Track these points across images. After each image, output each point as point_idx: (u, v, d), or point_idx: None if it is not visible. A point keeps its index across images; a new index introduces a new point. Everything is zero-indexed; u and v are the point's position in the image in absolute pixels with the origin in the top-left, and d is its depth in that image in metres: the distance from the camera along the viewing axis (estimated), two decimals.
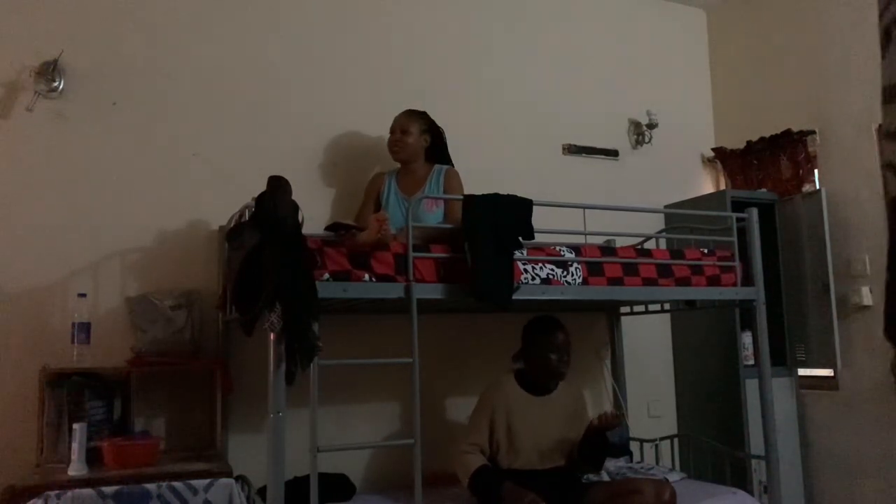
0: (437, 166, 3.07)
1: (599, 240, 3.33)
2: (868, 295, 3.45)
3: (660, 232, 3.62)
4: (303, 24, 3.30)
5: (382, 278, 2.33)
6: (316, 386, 2.18)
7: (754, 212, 3.09)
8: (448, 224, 2.75)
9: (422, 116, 3.08)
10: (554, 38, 3.88)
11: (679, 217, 3.67)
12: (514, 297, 2.46)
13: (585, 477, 2.94)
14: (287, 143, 3.17)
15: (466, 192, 2.68)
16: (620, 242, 3.29)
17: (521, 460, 2.72)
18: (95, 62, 2.90)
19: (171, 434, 2.79)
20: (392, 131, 3.07)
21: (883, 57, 0.84)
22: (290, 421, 2.15)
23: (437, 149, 3.12)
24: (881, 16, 0.84)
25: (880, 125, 3.74)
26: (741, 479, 3.25)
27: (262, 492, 2.39)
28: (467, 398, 3.23)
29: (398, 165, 3.12)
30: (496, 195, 2.53)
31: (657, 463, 3.52)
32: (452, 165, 3.13)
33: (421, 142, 3.06)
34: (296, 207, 2.23)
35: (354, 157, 3.29)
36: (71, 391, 2.53)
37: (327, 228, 2.43)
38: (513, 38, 3.78)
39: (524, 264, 2.57)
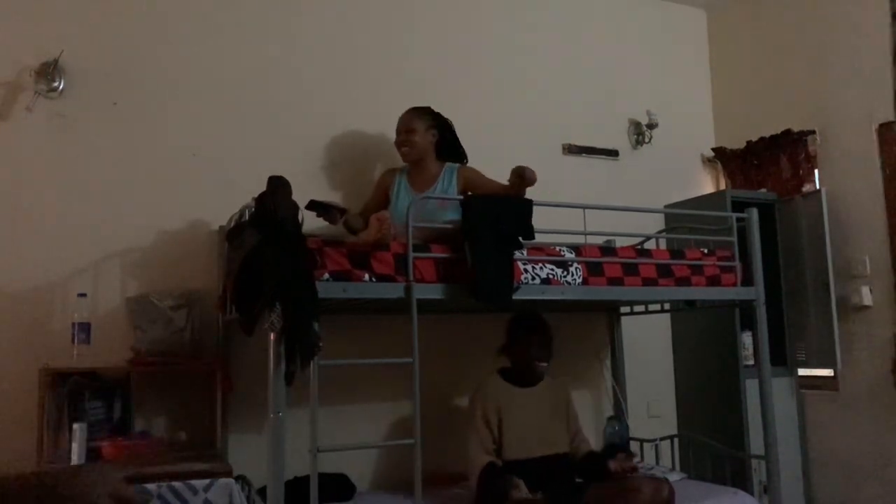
0: (448, 165, 3.04)
1: (599, 240, 3.33)
2: (868, 295, 3.45)
3: (660, 232, 3.62)
4: (303, 23, 3.30)
5: (382, 278, 2.33)
6: (316, 386, 2.18)
7: (754, 212, 3.09)
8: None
9: (426, 112, 3.05)
10: (554, 38, 3.88)
11: (679, 217, 3.67)
12: (514, 297, 2.46)
13: None
14: (287, 143, 3.16)
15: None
16: (620, 242, 3.29)
17: (516, 449, 2.76)
18: (95, 62, 2.90)
19: (171, 434, 2.78)
20: (398, 132, 3.03)
21: None
22: (290, 421, 2.15)
23: (446, 142, 3.08)
24: (895, 18, 0.85)
25: (881, 125, 3.74)
26: (741, 479, 3.25)
27: (262, 492, 2.39)
28: (467, 398, 3.23)
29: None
30: (496, 195, 2.53)
31: (657, 463, 3.52)
32: (464, 155, 3.12)
33: (428, 138, 3.01)
34: (296, 207, 2.23)
35: (355, 156, 3.29)
36: (71, 391, 2.53)
37: (307, 207, 2.42)
38: (513, 37, 3.77)
39: (524, 264, 2.57)
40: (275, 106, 3.17)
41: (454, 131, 3.12)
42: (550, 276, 2.61)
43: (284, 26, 3.26)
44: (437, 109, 3.12)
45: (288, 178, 2.30)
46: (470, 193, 2.89)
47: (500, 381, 2.90)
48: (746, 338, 3.56)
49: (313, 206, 2.43)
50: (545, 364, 2.90)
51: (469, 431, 2.81)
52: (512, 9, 3.81)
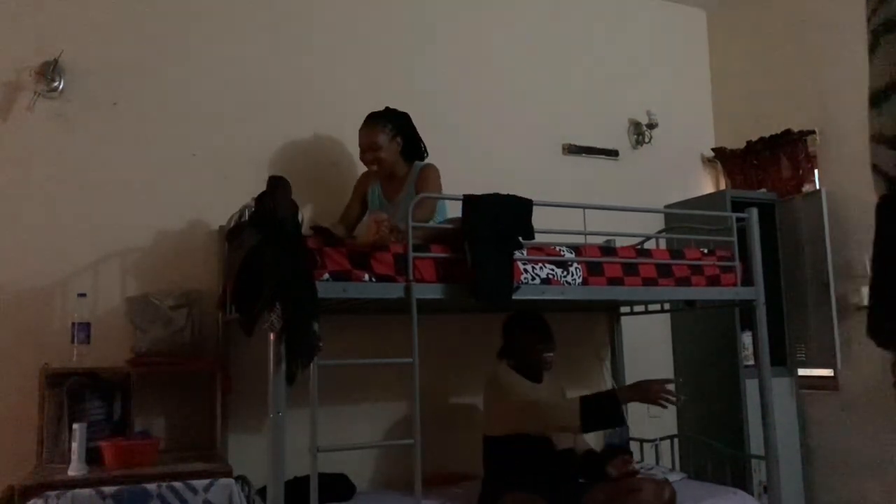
0: (415, 164, 3.00)
1: (599, 240, 3.32)
2: (868, 295, 3.44)
3: (660, 232, 3.62)
4: (302, 24, 3.30)
5: (382, 278, 2.33)
6: (316, 386, 2.18)
7: (754, 212, 3.09)
8: (421, 221, 2.60)
9: (386, 120, 2.93)
10: (554, 38, 3.88)
11: (679, 217, 3.67)
12: (514, 297, 2.46)
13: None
14: (287, 143, 3.17)
15: (467, 191, 2.69)
16: (620, 242, 3.29)
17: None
18: (95, 62, 2.90)
19: (171, 434, 2.79)
20: (362, 149, 2.93)
21: (871, 61, 0.86)
22: (290, 421, 2.15)
23: (409, 141, 2.99)
24: (869, 19, 0.86)
25: None
26: (741, 479, 3.25)
27: (262, 492, 2.39)
28: (467, 398, 3.24)
29: None
30: (496, 195, 2.53)
31: (657, 463, 3.52)
32: (423, 146, 3.03)
33: (394, 148, 2.93)
34: (296, 207, 2.23)
35: (354, 156, 3.28)
36: (71, 391, 2.53)
37: (311, 228, 2.41)
38: (512, 37, 3.78)
39: (524, 264, 2.57)
40: (274, 106, 3.17)
41: (413, 126, 3.02)
42: (550, 276, 2.61)
43: (285, 27, 3.26)
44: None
45: (288, 178, 2.30)
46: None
47: (513, 373, 2.84)
48: (746, 338, 3.56)
49: (317, 230, 2.40)
50: (552, 354, 2.85)
51: (504, 403, 2.72)
52: (512, 8, 3.81)
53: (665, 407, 2.60)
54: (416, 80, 3.46)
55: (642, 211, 3.70)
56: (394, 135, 2.94)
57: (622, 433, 3.48)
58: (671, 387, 2.60)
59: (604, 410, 2.58)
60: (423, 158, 3.04)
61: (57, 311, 2.73)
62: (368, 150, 2.91)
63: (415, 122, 3.04)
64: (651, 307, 3.54)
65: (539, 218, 2.54)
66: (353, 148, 3.28)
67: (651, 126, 3.95)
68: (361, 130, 2.94)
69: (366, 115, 3.04)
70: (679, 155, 4.15)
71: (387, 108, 2.99)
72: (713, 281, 2.97)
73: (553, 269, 2.62)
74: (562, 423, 2.61)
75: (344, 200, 3.14)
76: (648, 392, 2.60)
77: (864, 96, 0.87)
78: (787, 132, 3.75)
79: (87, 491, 2.06)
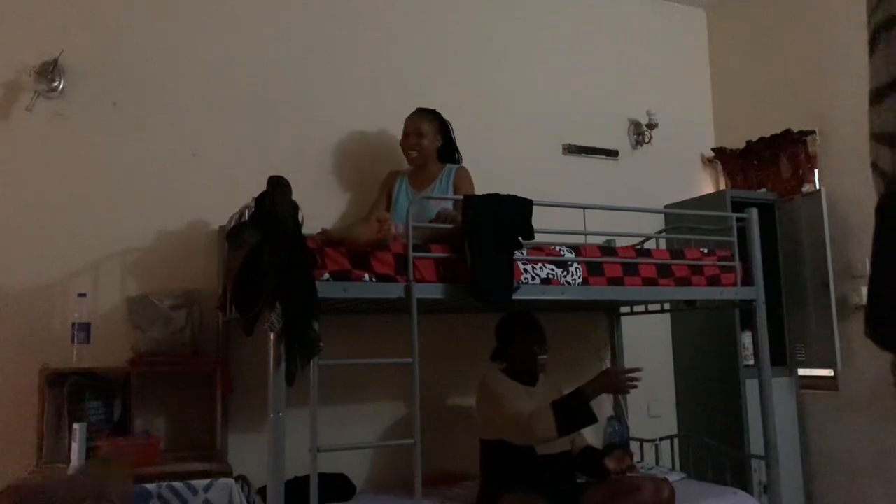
0: (448, 165, 3.08)
1: (599, 240, 3.33)
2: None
3: (660, 232, 3.61)
4: (304, 23, 3.30)
5: (382, 278, 2.33)
6: (316, 386, 2.18)
7: (754, 212, 3.09)
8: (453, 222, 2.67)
9: (434, 116, 3.09)
10: (554, 38, 3.88)
11: (679, 217, 3.67)
12: (514, 297, 2.46)
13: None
14: (288, 143, 3.17)
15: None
16: (620, 242, 3.29)
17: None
18: (95, 62, 2.90)
19: (171, 434, 2.79)
20: (406, 133, 3.06)
21: (871, 59, 0.86)
22: (290, 421, 2.15)
23: (446, 144, 3.13)
24: (869, 19, 0.86)
25: None
26: (741, 479, 3.25)
27: (262, 492, 2.39)
28: (467, 398, 3.23)
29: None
30: (496, 195, 2.53)
31: (657, 463, 3.52)
32: (459, 155, 3.16)
33: (435, 143, 3.08)
34: (296, 207, 2.23)
35: (355, 156, 3.29)
36: (71, 391, 2.53)
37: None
38: (513, 37, 3.78)
39: (524, 264, 2.57)
40: (275, 106, 3.18)
41: (452, 133, 3.16)
42: (550, 276, 2.61)
43: (285, 26, 3.26)
44: (437, 109, 3.13)
45: (288, 177, 2.29)
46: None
47: (504, 378, 2.82)
48: (746, 338, 3.55)
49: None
50: (545, 357, 2.84)
51: (502, 407, 2.67)
52: (512, 9, 3.81)
53: (628, 392, 2.64)
54: (417, 80, 3.46)
55: (642, 211, 3.70)
56: (437, 130, 3.09)
57: (622, 433, 3.49)
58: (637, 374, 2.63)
59: (574, 411, 2.57)
60: (455, 163, 3.14)
61: (57, 311, 2.73)
62: (413, 134, 3.05)
63: None
64: (651, 307, 3.54)
65: (539, 218, 2.54)
66: (354, 148, 3.29)
67: (651, 126, 3.95)
68: (409, 118, 3.07)
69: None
70: (679, 155, 4.15)
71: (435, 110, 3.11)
72: (713, 281, 2.97)
73: (553, 269, 2.62)
74: (540, 434, 2.58)
75: (344, 199, 3.14)
76: (616, 380, 2.65)
77: (864, 96, 0.87)
78: (787, 132, 3.75)
79: None
